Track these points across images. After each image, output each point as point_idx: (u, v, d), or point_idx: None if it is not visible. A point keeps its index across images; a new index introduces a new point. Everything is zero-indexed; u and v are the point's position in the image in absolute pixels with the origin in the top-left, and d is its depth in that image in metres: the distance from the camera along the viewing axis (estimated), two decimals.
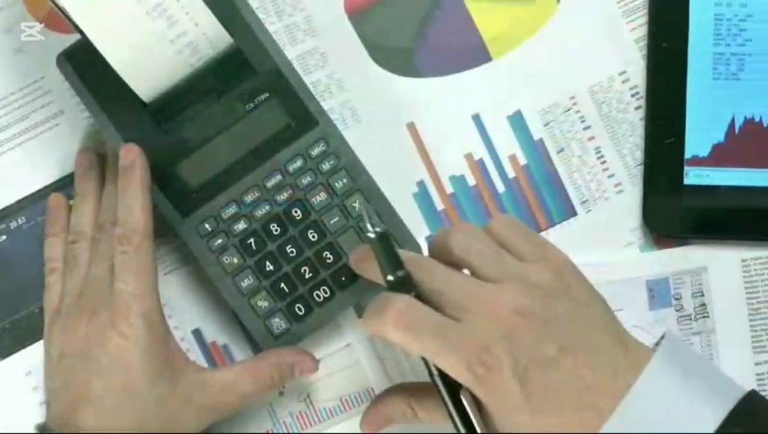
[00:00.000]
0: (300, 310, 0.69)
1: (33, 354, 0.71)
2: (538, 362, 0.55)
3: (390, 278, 0.59)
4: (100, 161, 0.70)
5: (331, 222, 0.68)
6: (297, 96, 0.67)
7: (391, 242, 0.60)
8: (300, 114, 0.68)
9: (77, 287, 0.66)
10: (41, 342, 0.70)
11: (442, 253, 0.60)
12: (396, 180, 0.70)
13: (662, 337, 0.59)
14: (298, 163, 0.68)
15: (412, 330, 0.57)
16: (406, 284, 0.58)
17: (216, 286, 0.68)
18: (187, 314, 0.71)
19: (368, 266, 0.61)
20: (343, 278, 0.68)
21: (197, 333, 0.71)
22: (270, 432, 0.71)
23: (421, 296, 0.58)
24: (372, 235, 0.59)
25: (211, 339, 0.71)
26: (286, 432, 0.71)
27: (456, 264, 0.59)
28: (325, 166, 0.68)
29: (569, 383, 0.55)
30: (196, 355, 0.71)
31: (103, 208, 0.68)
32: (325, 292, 0.68)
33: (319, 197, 0.68)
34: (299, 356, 0.68)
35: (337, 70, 0.71)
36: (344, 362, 0.71)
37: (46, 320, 0.68)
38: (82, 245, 0.68)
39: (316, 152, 0.68)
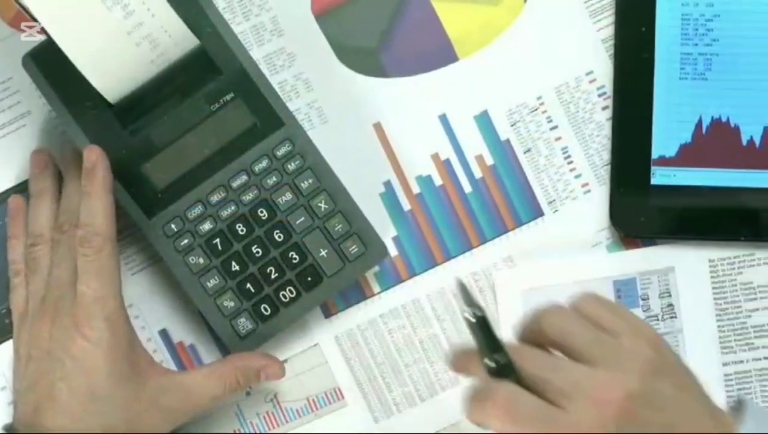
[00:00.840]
0: (266, 310, 0.69)
1: (1, 355, 0.72)
2: None
3: (491, 364, 0.57)
4: (55, 161, 0.71)
5: (297, 222, 0.69)
6: (262, 96, 0.68)
7: (489, 324, 0.57)
8: (265, 114, 0.69)
9: (40, 290, 0.67)
10: (8, 342, 0.71)
11: (535, 336, 0.58)
12: (362, 180, 0.71)
13: (738, 402, 0.59)
14: (264, 163, 0.69)
15: (517, 422, 0.55)
16: (506, 369, 0.56)
17: (182, 286, 0.69)
18: (153, 315, 0.72)
19: (469, 365, 0.59)
20: (309, 279, 0.69)
21: (164, 334, 0.72)
22: (237, 432, 0.72)
23: (521, 382, 0.56)
24: (472, 319, 0.57)
25: (178, 339, 0.72)
26: (253, 432, 0.72)
27: (549, 346, 0.58)
28: (291, 166, 0.69)
29: None
30: (162, 355, 0.72)
31: (63, 209, 0.69)
32: (291, 292, 0.69)
33: (285, 198, 0.69)
34: (265, 360, 0.69)
35: (303, 71, 0.72)
36: (311, 362, 0.72)
37: (15, 322, 0.69)
38: (41, 247, 0.68)
39: (281, 152, 0.69)
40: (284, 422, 0.72)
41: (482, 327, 0.57)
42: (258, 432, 0.72)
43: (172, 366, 0.72)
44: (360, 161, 0.72)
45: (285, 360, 0.72)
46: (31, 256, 0.69)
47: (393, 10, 0.72)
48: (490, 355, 0.56)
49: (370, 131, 0.72)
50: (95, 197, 0.66)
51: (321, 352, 0.72)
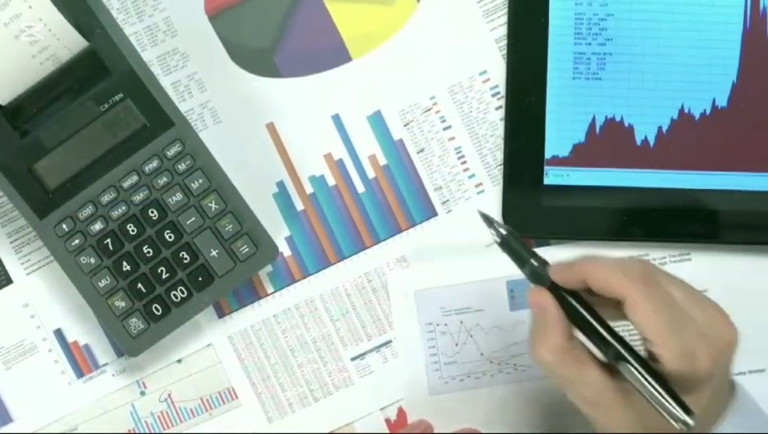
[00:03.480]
0: (157, 310, 0.73)
1: None
2: None
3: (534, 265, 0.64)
4: None
5: (188, 222, 0.72)
6: (152, 97, 0.72)
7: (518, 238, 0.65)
8: (155, 115, 0.72)
9: None
10: None
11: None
12: (256, 180, 0.75)
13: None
14: (154, 163, 0.72)
15: None
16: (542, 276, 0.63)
17: (74, 286, 0.73)
18: (49, 314, 0.75)
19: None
20: (200, 279, 0.73)
21: (59, 333, 0.76)
22: (132, 431, 0.76)
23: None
24: (498, 239, 0.65)
25: (73, 338, 0.76)
26: (147, 432, 0.76)
27: None
28: (181, 166, 0.72)
29: None
30: (58, 355, 0.75)
31: None
32: (183, 292, 0.73)
33: (176, 198, 0.72)
34: None
35: (197, 71, 0.75)
36: (205, 362, 0.76)
37: None
38: None
39: (171, 152, 0.72)
40: (179, 421, 0.76)
41: (513, 241, 0.65)
42: (152, 431, 0.76)
43: (67, 366, 0.75)
44: (253, 161, 0.75)
45: (179, 360, 0.75)
46: None
47: (286, 10, 0.75)
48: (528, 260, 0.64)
49: (263, 131, 0.75)
50: None
51: (215, 352, 0.76)
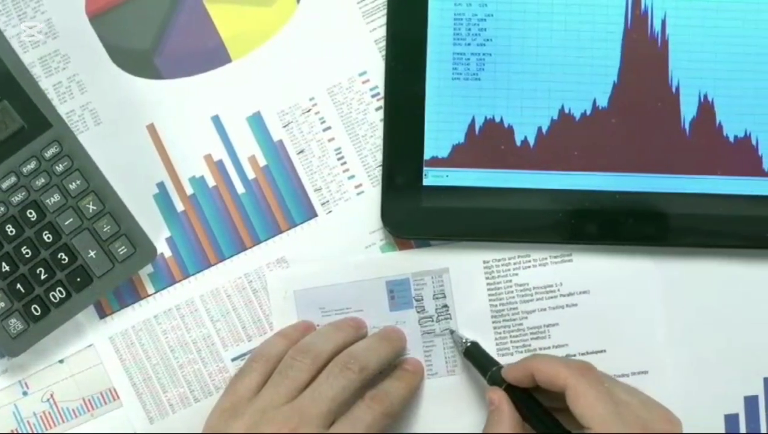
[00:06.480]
0: (37, 311, 0.76)
1: None
2: None
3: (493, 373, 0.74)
4: None
5: (66, 223, 0.75)
6: (29, 99, 0.75)
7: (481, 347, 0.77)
8: (33, 116, 0.75)
9: (282, 397, 0.73)
10: None
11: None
12: (136, 181, 0.78)
13: None
14: (32, 165, 0.75)
15: None
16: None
17: None
18: None
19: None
20: (79, 279, 0.76)
21: None
22: (14, 432, 0.79)
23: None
24: (466, 345, 0.77)
25: None
26: (30, 432, 0.79)
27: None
28: (59, 168, 0.75)
29: None
30: None
31: (352, 352, 0.75)
32: (62, 293, 0.76)
33: (54, 199, 0.75)
34: None
35: (77, 72, 0.78)
36: (86, 363, 0.79)
37: (230, 397, 0.75)
38: (306, 364, 0.74)
39: (49, 153, 0.75)
40: (61, 422, 0.79)
41: (477, 350, 0.77)
42: (35, 432, 0.79)
43: None
44: (133, 163, 0.78)
45: (61, 361, 0.78)
46: (290, 365, 0.74)
47: (166, 11, 0.78)
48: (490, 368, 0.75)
49: (143, 133, 0.78)
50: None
51: (96, 353, 0.79)
